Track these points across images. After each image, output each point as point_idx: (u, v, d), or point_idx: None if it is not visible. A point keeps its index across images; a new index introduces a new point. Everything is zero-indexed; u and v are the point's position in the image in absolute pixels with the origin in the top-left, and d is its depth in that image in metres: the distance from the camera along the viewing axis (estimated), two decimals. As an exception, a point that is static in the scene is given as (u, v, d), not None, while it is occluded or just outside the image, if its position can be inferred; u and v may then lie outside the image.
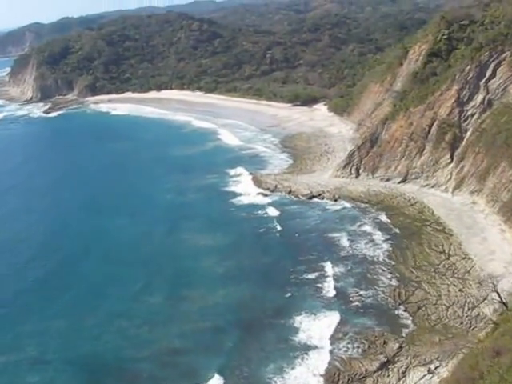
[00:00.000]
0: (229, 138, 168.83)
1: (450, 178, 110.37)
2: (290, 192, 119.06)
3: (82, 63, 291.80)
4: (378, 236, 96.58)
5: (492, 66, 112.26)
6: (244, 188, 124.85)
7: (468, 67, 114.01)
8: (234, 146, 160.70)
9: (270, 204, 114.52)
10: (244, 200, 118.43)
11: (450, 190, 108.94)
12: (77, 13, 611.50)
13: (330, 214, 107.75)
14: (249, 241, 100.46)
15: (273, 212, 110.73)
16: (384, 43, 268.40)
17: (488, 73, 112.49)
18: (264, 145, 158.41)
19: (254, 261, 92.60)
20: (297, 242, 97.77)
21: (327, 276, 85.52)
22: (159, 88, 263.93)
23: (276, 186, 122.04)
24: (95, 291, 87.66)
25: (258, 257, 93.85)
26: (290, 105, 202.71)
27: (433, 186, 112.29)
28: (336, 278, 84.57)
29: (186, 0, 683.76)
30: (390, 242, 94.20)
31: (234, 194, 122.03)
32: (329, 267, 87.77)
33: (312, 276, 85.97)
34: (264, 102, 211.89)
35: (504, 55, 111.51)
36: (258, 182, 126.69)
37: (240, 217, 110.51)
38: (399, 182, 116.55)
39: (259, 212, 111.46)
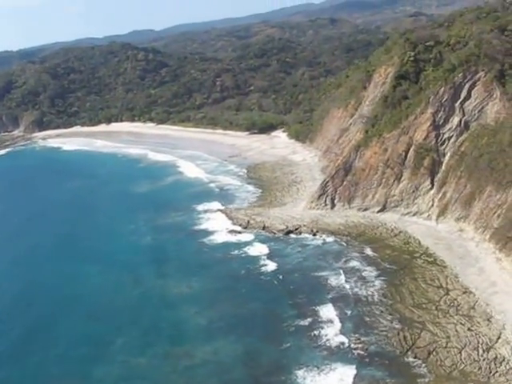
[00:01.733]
0: (190, 171, 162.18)
1: (433, 205, 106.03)
2: (264, 228, 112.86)
3: (27, 98, 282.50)
4: (368, 272, 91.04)
5: (467, 87, 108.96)
6: (214, 225, 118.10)
7: (442, 89, 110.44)
8: (196, 179, 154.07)
9: (245, 243, 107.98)
10: (217, 239, 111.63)
11: (434, 217, 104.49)
12: (14, 46, 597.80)
13: (312, 250, 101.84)
14: (229, 285, 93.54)
15: (250, 251, 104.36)
16: (333, 66, 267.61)
17: (463, 94, 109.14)
18: (228, 176, 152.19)
19: (238, 308, 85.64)
20: (282, 283, 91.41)
21: (322, 321, 79.39)
22: (109, 121, 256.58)
23: (248, 222, 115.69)
24: (65, 354, 78.99)
25: (243, 303, 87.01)
26: (247, 133, 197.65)
27: (414, 214, 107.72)
28: (332, 324, 78.53)
29: (124, 30, 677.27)
30: (381, 278, 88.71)
31: (205, 233, 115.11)
32: (322, 311, 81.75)
33: (305, 322, 79.74)
34: (220, 130, 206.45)
35: (478, 75, 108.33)
36: (228, 217, 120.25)
37: (215, 258, 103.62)
38: (378, 211, 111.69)
39: (235, 252, 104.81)
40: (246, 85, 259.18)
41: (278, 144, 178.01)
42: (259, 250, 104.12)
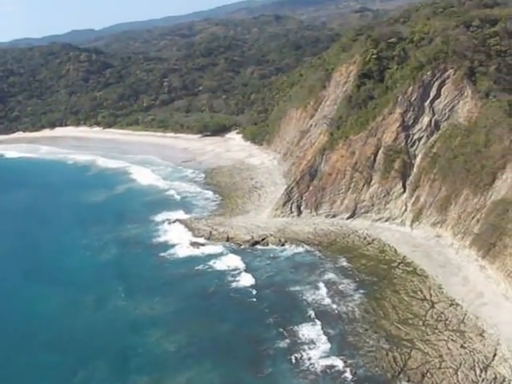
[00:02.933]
0: (143, 178, 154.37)
1: (406, 210, 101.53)
2: (228, 239, 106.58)
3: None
4: (345, 285, 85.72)
5: (436, 85, 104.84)
6: (175, 237, 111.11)
7: (410, 88, 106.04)
8: (151, 187, 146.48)
9: (209, 256, 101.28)
10: (178, 253, 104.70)
11: (408, 222, 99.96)
12: None
13: (283, 262, 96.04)
14: (196, 304, 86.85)
15: (216, 265, 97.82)
16: (282, 64, 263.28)
17: (432, 93, 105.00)
18: (184, 183, 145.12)
19: (209, 331, 78.93)
20: (255, 301, 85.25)
21: (303, 343, 73.69)
22: (53, 125, 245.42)
23: (211, 233, 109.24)
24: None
25: (214, 325, 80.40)
26: (199, 135, 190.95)
27: (387, 220, 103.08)
28: (314, 345, 72.91)
29: (63, 30, 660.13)
30: (360, 291, 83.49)
31: (165, 246, 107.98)
32: (302, 331, 76.03)
33: (285, 344, 73.91)
34: (171, 134, 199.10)
35: (447, 73, 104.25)
36: (189, 228, 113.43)
37: (178, 274, 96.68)
38: (348, 218, 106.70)
39: (200, 267, 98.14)
40: (194, 85, 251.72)
41: (234, 147, 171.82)
42: (226, 263, 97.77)
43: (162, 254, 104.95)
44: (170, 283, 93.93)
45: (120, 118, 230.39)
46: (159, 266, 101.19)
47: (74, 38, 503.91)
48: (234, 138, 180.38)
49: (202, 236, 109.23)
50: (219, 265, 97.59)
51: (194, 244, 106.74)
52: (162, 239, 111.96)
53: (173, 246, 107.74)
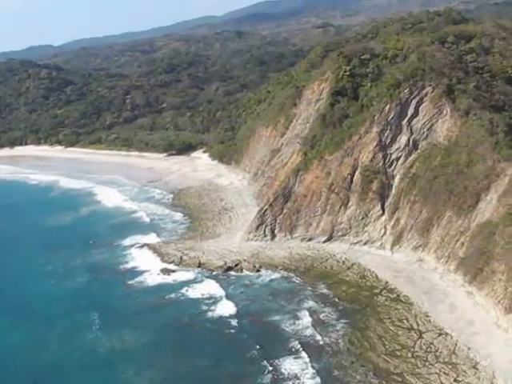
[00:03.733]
0: (108, 199, 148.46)
1: (385, 233, 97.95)
2: (200, 265, 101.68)
3: None
4: (327, 314, 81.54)
5: (414, 103, 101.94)
6: (143, 263, 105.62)
7: (387, 106, 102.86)
8: (116, 209, 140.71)
9: (181, 283, 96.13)
10: (147, 280, 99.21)
11: (388, 246, 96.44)
12: None
13: (259, 290, 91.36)
14: (169, 337, 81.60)
15: (188, 293, 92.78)
16: (247, 80, 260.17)
17: (410, 111, 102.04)
18: (151, 205, 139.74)
19: (184, 366, 73.95)
20: (231, 333, 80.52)
21: (286, 378, 69.32)
22: (12, 144, 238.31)
23: (181, 258, 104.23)
24: None
25: (189, 359, 75.24)
26: (164, 154, 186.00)
27: (365, 243, 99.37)
28: (298, 380, 68.65)
29: (20, 46, 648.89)
30: (343, 321, 79.35)
31: (134, 273, 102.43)
32: (283, 365, 71.53)
33: (267, 380, 69.47)
34: (135, 152, 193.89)
35: (425, 91, 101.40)
36: (158, 253, 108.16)
37: (149, 304, 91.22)
38: (324, 241, 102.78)
39: (171, 295, 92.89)
40: (157, 102, 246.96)
41: (201, 166, 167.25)
42: (199, 291, 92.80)
43: (130, 282, 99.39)
44: (141, 313, 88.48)
45: (82, 137, 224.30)
46: (128, 294, 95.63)
47: (32, 54, 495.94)
48: (201, 157, 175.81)
49: (172, 262, 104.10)
50: (192, 293, 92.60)
51: (164, 270, 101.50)
52: (130, 265, 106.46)
53: (142, 272, 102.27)
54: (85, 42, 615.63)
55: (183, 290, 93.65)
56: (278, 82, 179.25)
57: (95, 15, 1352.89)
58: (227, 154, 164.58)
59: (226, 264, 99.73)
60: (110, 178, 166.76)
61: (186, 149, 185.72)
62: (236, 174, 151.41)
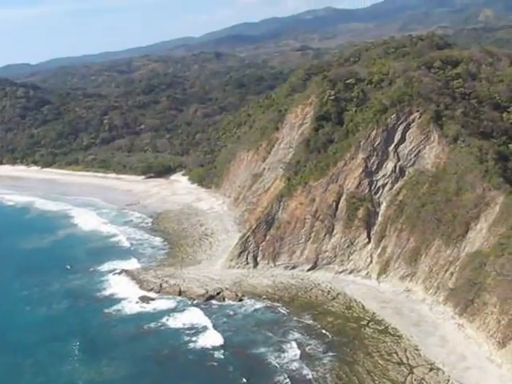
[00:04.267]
0: (85, 222, 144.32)
1: (371, 262, 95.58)
2: (180, 292, 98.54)
3: None
4: (313, 347, 78.84)
5: (400, 129, 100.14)
6: (121, 290, 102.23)
7: (374, 132, 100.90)
8: (93, 233, 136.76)
9: (161, 312, 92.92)
10: (125, 309, 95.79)
11: (374, 275, 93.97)
12: None
13: (242, 320, 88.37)
14: (150, 370, 78.49)
15: (169, 323, 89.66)
16: (226, 102, 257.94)
17: (397, 137, 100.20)
18: (129, 229, 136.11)
19: (166, 401, 70.71)
20: (215, 366, 77.68)
21: (273, 417, 65.86)
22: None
23: (161, 286, 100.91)
24: None
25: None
26: (143, 177, 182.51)
27: (351, 272, 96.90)
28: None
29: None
30: (330, 354, 76.71)
31: (112, 301, 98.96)
32: (270, 403, 68.16)
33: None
34: (113, 174, 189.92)
35: (412, 117, 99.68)
36: (136, 280, 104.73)
37: (128, 334, 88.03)
38: (309, 270, 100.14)
39: (151, 325, 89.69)
40: (136, 123, 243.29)
41: (180, 190, 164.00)
42: (180, 321, 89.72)
43: (108, 310, 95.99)
44: (120, 343, 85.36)
45: (59, 157, 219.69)
46: (106, 323, 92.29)
47: (9, 72, 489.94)
48: (180, 181, 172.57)
49: (151, 289, 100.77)
50: (173, 322, 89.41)
51: (143, 298, 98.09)
52: (108, 292, 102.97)
53: (120, 300, 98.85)
54: (62, 61, 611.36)
55: (163, 320, 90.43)
56: (259, 106, 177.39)
57: (73, 34, 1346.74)
58: (207, 177, 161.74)
59: (207, 292, 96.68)
60: (87, 200, 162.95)
61: (164, 171, 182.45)
62: (216, 199, 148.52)
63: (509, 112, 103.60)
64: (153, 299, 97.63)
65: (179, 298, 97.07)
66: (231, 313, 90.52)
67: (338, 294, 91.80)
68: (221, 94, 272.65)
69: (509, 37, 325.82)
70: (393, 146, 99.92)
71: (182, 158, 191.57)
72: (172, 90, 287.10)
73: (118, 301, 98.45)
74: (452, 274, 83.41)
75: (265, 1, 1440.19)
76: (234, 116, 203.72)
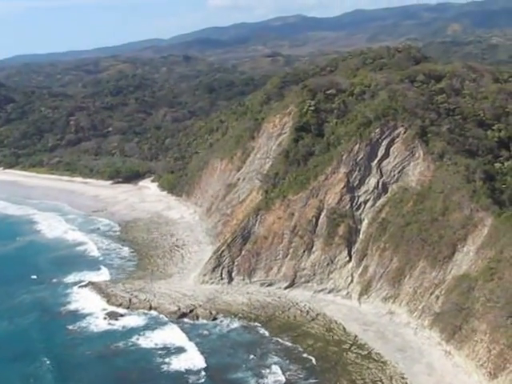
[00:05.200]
0: (50, 229, 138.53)
1: (352, 281, 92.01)
2: (151, 308, 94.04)
3: None
4: (294, 373, 75.17)
5: (384, 144, 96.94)
6: (88, 305, 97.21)
7: (357, 146, 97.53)
8: (58, 240, 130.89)
9: (131, 331, 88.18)
10: (92, 325, 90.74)
11: (355, 295, 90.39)
12: None
13: (216, 341, 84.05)
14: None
15: (140, 342, 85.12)
16: (196, 107, 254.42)
17: (380, 152, 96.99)
18: (96, 237, 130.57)
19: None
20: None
21: None
22: None
23: (131, 301, 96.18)
24: None
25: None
26: (110, 182, 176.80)
27: (330, 292, 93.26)
28: None
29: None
30: (312, 381, 72.76)
31: (77, 317, 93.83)
32: None
33: None
34: (79, 178, 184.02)
35: (397, 132, 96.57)
36: (104, 294, 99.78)
37: (94, 353, 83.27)
38: (286, 288, 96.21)
39: (120, 344, 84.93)
40: (103, 125, 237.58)
41: (149, 197, 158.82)
42: (152, 340, 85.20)
43: (73, 327, 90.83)
44: (86, 365, 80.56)
45: (22, 158, 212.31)
46: (71, 341, 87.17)
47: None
48: (149, 187, 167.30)
49: (120, 304, 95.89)
50: (144, 342, 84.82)
51: (111, 314, 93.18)
52: (73, 306, 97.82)
53: (86, 316, 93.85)
54: (28, 57, 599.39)
55: (133, 339, 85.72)
56: (232, 112, 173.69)
57: (39, 30, 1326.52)
58: (178, 185, 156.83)
59: (179, 309, 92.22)
60: (52, 205, 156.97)
61: (133, 177, 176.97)
62: (187, 207, 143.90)
63: (493, 130, 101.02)
64: (122, 315, 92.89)
65: (150, 314, 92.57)
66: (206, 332, 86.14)
67: (317, 315, 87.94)
68: (190, 99, 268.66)
69: (477, 52, 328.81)
70: (376, 161, 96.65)
71: (151, 164, 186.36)
72: (140, 93, 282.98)
73: (84, 316, 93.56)
74: (438, 297, 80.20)
75: (234, 6, 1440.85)
76: (205, 122, 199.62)
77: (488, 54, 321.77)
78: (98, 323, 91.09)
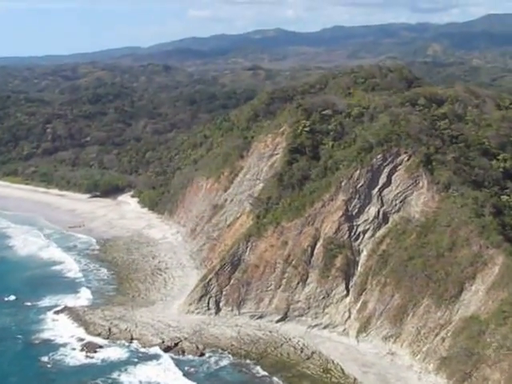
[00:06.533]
0: (23, 245, 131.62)
1: (350, 317, 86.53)
2: (132, 339, 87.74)
3: None
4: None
5: (386, 171, 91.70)
6: (63, 334, 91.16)
7: (357, 172, 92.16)
8: (32, 258, 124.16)
9: (111, 365, 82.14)
10: (68, 358, 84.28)
11: (353, 333, 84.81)
12: None
13: (205, 381, 77.79)
14: None
15: (121, 380, 78.61)
16: (176, 119, 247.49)
17: (382, 180, 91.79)
18: (73, 256, 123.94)
19: None
20: None
21: None
22: None
23: (110, 330, 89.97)
24: None
25: None
26: (88, 196, 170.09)
27: (326, 327, 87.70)
28: None
29: None
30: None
31: (50, 347, 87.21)
32: None
33: None
34: (55, 190, 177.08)
35: (400, 158, 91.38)
36: (81, 322, 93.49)
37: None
38: (278, 321, 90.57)
39: (98, 381, 78.75)
40: (81, 134, 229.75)
41: (129, 213, 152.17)
42: (134, 377, 79.30)
43: (46, 358, 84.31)
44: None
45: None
46: (43, 375, 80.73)
47: None
48: (129, 203, 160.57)
49: (99, 334, 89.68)
50: (126, 379, 78.69)
51: (89, 346, 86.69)
52: (46, 335, 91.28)
53: (61, 346, 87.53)
54: (3, 60, 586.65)
55: (114, 375, 79.70)
56: (217, 128, 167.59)
57: (16, 33, 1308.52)
58: (159, 202, 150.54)
59: (163, 342, 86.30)
60: (25, 218, 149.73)
61: (112, 191, 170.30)
62: (169, 227, 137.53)
63: (498, 160, 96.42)
64: (101, 347, 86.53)
65: (131, 346, 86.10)
66: (192, 370, 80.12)
67: (312, 353, 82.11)
68: (171, 110, 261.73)
69: (459, 73, 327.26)
70: (377, 189, 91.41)
71: (131, 177, 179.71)
72: (120, 102, 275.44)
73: (59, 347, 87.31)
74: (444, 339, 74.98)
75: (214, 17, 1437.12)
76: (187, 135, 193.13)
77: (470, 76, 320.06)
78: (75, 355, 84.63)
